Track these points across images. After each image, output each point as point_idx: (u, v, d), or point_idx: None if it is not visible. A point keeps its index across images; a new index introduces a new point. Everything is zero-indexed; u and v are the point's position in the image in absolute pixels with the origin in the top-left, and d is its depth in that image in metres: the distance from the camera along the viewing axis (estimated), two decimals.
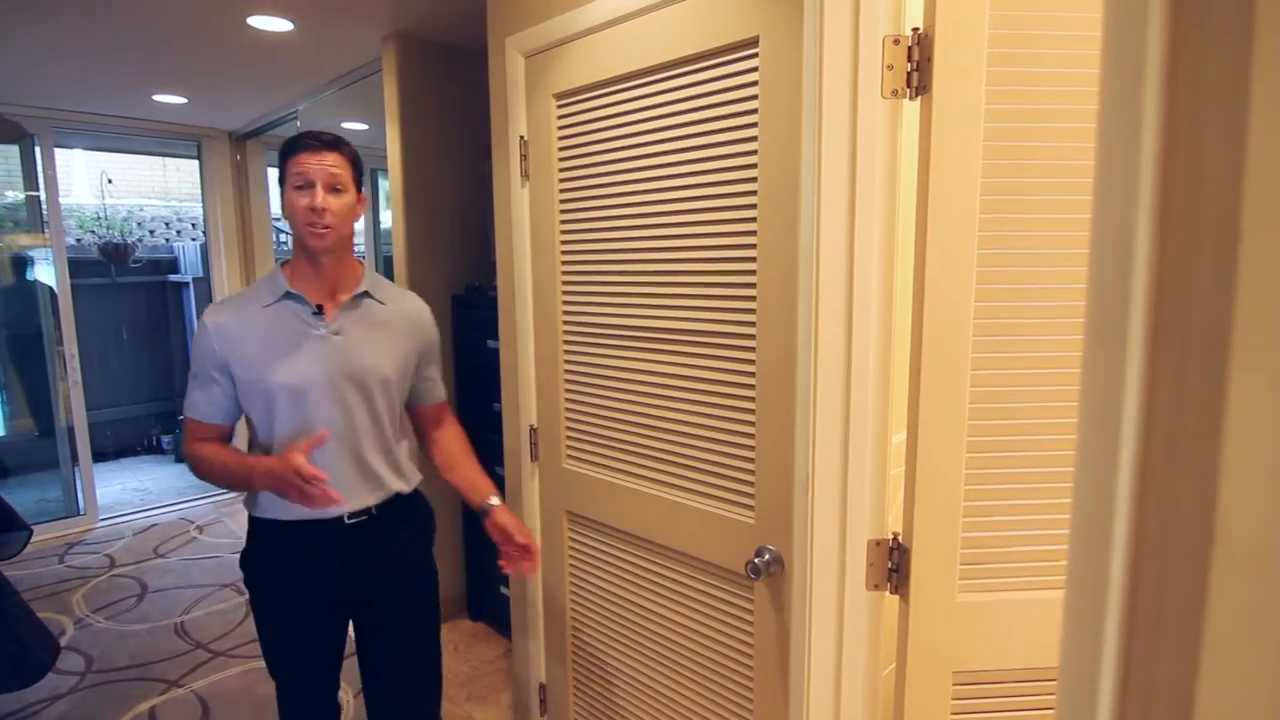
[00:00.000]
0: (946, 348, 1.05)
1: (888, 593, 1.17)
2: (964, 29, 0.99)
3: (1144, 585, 0.39)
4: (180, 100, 3.49)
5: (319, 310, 1.33)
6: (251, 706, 2.29)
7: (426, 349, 1.48)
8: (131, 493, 4.56)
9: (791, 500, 1.23)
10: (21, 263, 3.86)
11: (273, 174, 4.52)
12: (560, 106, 1.59)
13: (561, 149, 1.60)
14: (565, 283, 1.65)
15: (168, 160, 6.65)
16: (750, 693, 1.36)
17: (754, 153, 1.23)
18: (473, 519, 2.52)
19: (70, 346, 3.79)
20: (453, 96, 2.70)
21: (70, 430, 3.87)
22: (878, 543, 1.16)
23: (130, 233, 5.82)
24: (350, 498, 1.35)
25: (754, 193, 1.24)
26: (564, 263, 1.65)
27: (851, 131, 1.08)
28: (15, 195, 3.88)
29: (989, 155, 1.01)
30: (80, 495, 3.91)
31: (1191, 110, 0.35)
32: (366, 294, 1.39)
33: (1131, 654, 0.40)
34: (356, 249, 5.84)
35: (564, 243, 1.64)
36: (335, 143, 1.30)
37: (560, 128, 1.60)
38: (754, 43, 1.21)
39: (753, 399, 1.29)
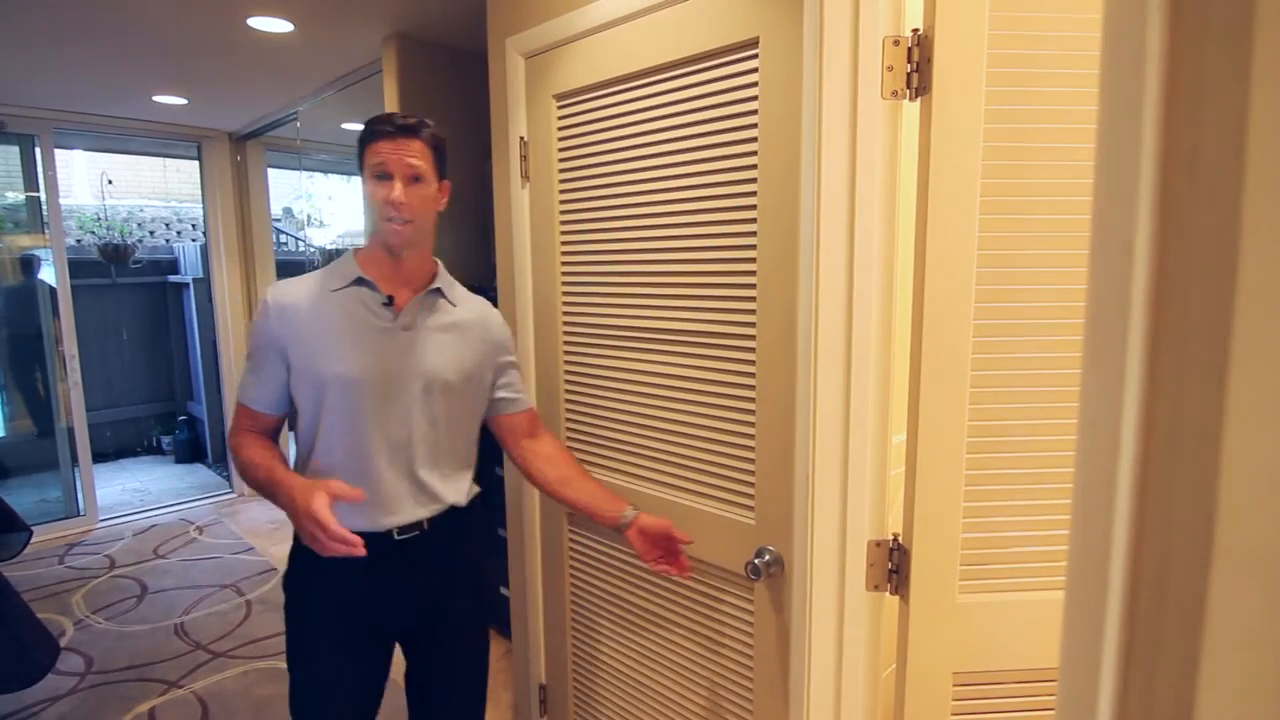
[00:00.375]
0: (946, 348, 1.05)
1: (888, 593, 1.17)
2: (964, 30, 0.99)
3: (1144, 585, 0.39)
4: (180, 101, 3.49)
5: (389, 301, 1.24)
6: (251, 707, 2.29)
7: (501, 357, 1.38)
8: (131, 493, 4.56)
9: (791, 501, 1.23)
10: (27, 263, 3.86)
11: (273, 175, 4.52)
12: (560, 107, 1.59)
13: (561, 150, 1.60)
14: (565, 283, 1.65)
15: (168, 161, 6.65)
16: (750, 693, 1.36)
17: (754, 154, 1.23)
18: None
19: (70, 347, 3.79)
20: (453, 97, 2.71)
21: (70, 431, 3.87)
22: (878, 543, 1.16)
23: (130, 233, 5.83)
24: (400, 510, 1.25)
25: (754, 193, 1.24)
26: (564, 263, 1.65)
27: (851, 132, 1.08)
28: (15, 196, 3.88)
29: (989, 156, 1.01)
30: (80, 496, 3.91)
31: (1191, 110, 0.35)
32: (439, 291, 1.29)
33: (1131, 654, 0.40)
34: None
35: (564, 243, 1.64)
36: (416, 127, 1.20)
37: (560, 129, 1.60)
38: (754, 44, 1.21)
39: (753, 399, 1.29)
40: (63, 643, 2.67)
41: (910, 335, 1.08)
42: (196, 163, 4.28)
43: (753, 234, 1.25)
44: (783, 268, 1.21)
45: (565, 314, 1.66)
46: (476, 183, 2.75)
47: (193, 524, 3.99)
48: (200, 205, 4.50)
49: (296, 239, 6.27)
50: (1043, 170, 1.01)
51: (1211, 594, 0.34)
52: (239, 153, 4.25)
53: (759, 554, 1.27)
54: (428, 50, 2.63)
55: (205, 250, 4.51)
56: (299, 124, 3.77)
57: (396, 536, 1.25)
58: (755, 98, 1.22)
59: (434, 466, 1.28)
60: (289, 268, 4.88)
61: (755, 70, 1.21)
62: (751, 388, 1.29)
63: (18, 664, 1.70)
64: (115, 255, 5.15)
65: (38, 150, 3.68)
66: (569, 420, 1.70)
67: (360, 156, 1.23)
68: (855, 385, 1.13)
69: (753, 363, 1.28)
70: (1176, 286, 0.36)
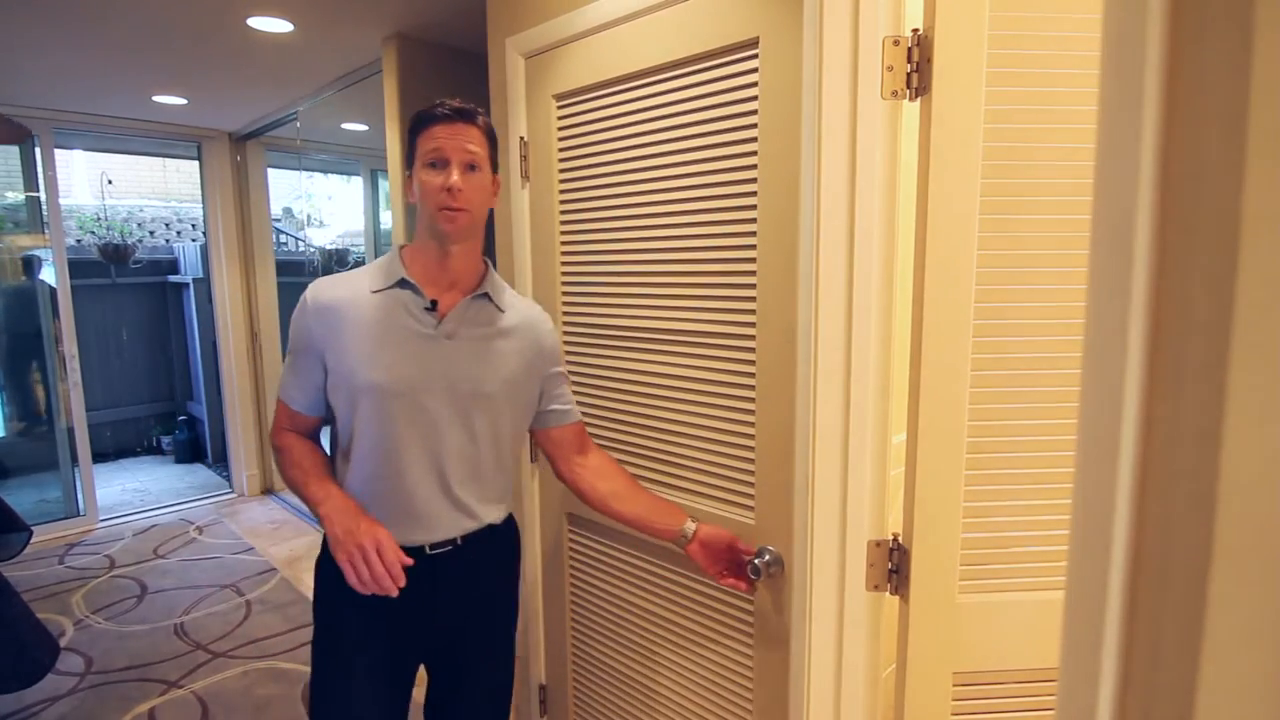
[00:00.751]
0: (946, 348, 1.05)
1: (888, 593, 1.17)
2: (964, 30, 0.99)
3: (1144, 585, 0.39)
4: (180, 101, 3.49)
5: (432, 306, 1.17)
6: (251, 707, 2.29)
7: (550, 368, 1.30)
8: (131, 493, 4.56)
9: (791, 501, 1.23)
10: (29, 263, 3.86)
11: (273, 175, 4.52)
12: (560, 107, 1.59)
13: (561, 150, 1.60)
14: (565, 283, 1.65)
15: (168, 161, 6.66)
16: (750, 693, 1.36)
17: (754, 154, 1.23)
18: None
19: (70, 347, 3.79)
20: (452, 97, 2.70)
21: (70, 431, 3.87)
22: (878, 543, 1.16)
23: (130, 233, 5.83)
24: (434, 527, 1.18)
25: (754, 194, 1.24)
26: (564, 263, 1.65)
27: (851, 132, 1.08)
28: (15, 196, 3.88)
29: (989, 156, 1.01)
30: (80, 496, 3.91)
31: (1191, 109, 0.35)
32: (486, 296, 1.22)
33: (1131, 654, 0.40)
34: (357, 251, 5.81)
35: (564, 243, 1.64)
36: (471, 114, 1.15)
37: (560, 129, 1.60)
38: (754, 44, 1.21)
39: (752, 399, 1.29)
40: (63, 643, 2.67)
41: (910, 335, 1.07)
42: (196, 163, 4.28)
43: (753, 234, 1.25)
44: (783, 267, 1.21)
45: (565, 314, 1.66)
46: None
47: (193, 524, 3.99)
48: (200, 205, 4.51)
49: (296, 239, 6.27)
50: (1043, 170, 1.01)
51: (1211, 594, 0.34)
52: (239, 153, 4.25)
53: (759, 554, 1.27)
54: (428, 50, 2.63)
55: (205, 250, 4.52)
56: (299, 124, 3.77)
57: (429, 552, 1.19)
58: (755, 98, 1.22)
59: (472, 483, 1.21)
60: (289, 268, 4.89)
61: (755, 70, 1.21)
62: (751, 388, 1.29)
63: (18, 664, 1.70)
64: (115, 255, 5.15)
65: (38, 150, 3.69)
66: None
67: (411, 145, 1.16)
68: (855, 385, 1.13)
69: (753, 363, 1.28)
70: (1176, 286, 0.36)
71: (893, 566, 1.15)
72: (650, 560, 1.53)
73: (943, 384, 1.06)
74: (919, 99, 1.04)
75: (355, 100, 3.31)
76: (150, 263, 5.49)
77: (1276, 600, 0.33)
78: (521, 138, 1.69)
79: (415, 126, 1.16)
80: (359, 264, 5.49)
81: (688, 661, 1.48)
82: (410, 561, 1.05)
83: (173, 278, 5.48)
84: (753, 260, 1.26)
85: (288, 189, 6.37)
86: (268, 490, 4.53)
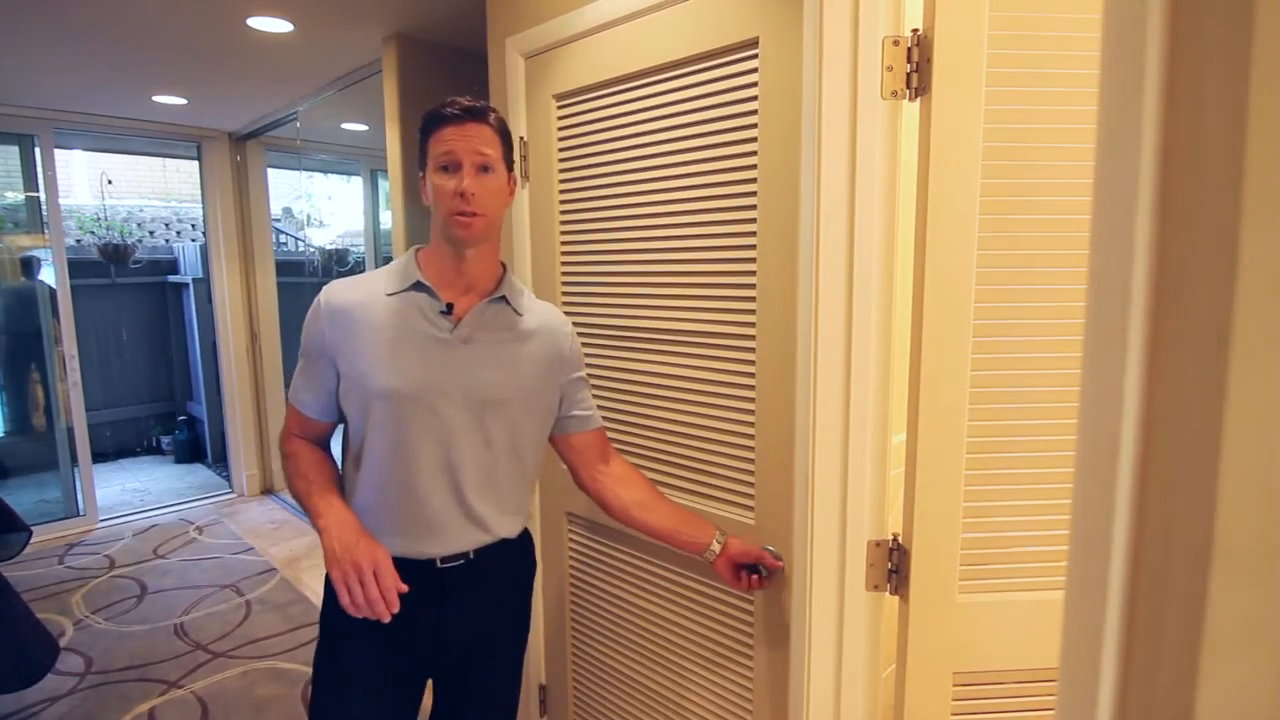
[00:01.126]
0: (946, 348, 1.05)
1: (888, 593, 1.17)
2: (963, 30, 0.99)
3: (1144, 585, 0.39)
4: (180, 101, 3.49)
5: (448, 309, 1.14)
6: (251, 707, 2.29)
7: (570, 374, 1.26)
8: (131, 493, 4.56)
9: (791, 501, 1.23)
10: (28, 263, 3.86)
11: (273, 175, 4.52)
12: (560, 107, 1.59)
13: (561, 150, 1.61)
14: (565, 283, 1.65)
15: (168, 161, 6.66)
16: (750, 693, 1.36)
17: (754, 154, 1.23)
18: None
19: (70, 347, 3.79)
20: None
21: (70, 431, 3.87)
22: (878, 543, 1.16)
23: (130, 234, 5.83)
24: (446, 538, 1.14)
25: (754, 194, 1.24)
26: (563, 263, 1.65)
27: (851, 132, 1.08)
28: (15, 196, 3.88)
29: (989, 156, 1.01)
30: (80, 496, 3.91)
31: (1191, 109, 0.35)
32: (503, 299, 1.18)
33: (1131, 654, 0.40)
34: (357, 251, 5.79)
35: (564, 243, 1.64)
36: (482, 112, 1.10)
37: (560, 129, 1.60)
38: (754, 44, 1.21)
39: (752, 399, 1.29)
40: (63, 643, 2.67)
41: (910, 335, 1.07)
42: (196, 163, 4.28)
43: (752, 234, 1.25)
44: (782, 267, 1.21)
45: (565, 314, 1.66)
46: None
47: (192, 524, 3.99)
48: (200, 205, 4.50)
49: (296, 239, 6.27)
50: (1043, 170, 1.01)
51: (1211, 594, 0.34)
52: (239, 153, 4.25)
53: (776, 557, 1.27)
54: (428, 50, 2.63)
55: (205, 250, 4.52)
56: (299, 124, 3.77)
57: (439, 565, 1.15)
58: (755, 98, 1.22)
59: (488, 493, 1.17)
60: (289, 268, 4.89)
61: (755, 70, 1.21)
62: (751, 388, 1.29)
63: (18, 664, 1.70)
64: (115, 255, 5.15)
65: (37, 150, 3.68)
66: None
67: (423, 148, 1.13)
68: (855, 385, 1.13)
69: (752, 363, 1.28)
70: (1176, 286, 0.36)
71: (892, 566, 1.15)
72: (650, 560, 1.53)
73: (943, 384, 1.06)
74: (919, 99, 1.04)
75: (355, 100, 3.31)
76: (150, 263, 5.49)
77: (1276, 600, 0.33)
78: (521, 138, 1.69)
79: (426, 127, 1.12)
80: (359, 264, 5.51)
81: (687, 661, 1.48)
82: (405, 588, 1.02)
83: (172, 278, 5.48)
84: (752, 260, 1.26)
85: (288, 189, 6.37)
86: (267, 490, 4.53)
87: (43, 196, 3.72)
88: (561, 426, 1.28)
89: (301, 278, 5.22)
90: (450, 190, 1.08)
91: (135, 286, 5.44)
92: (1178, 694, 0.36)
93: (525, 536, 1.28)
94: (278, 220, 6.13)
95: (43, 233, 3.77)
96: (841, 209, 1.10)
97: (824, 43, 1.07)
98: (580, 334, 1.62)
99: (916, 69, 1.04)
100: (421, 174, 1.14)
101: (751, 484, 1.31)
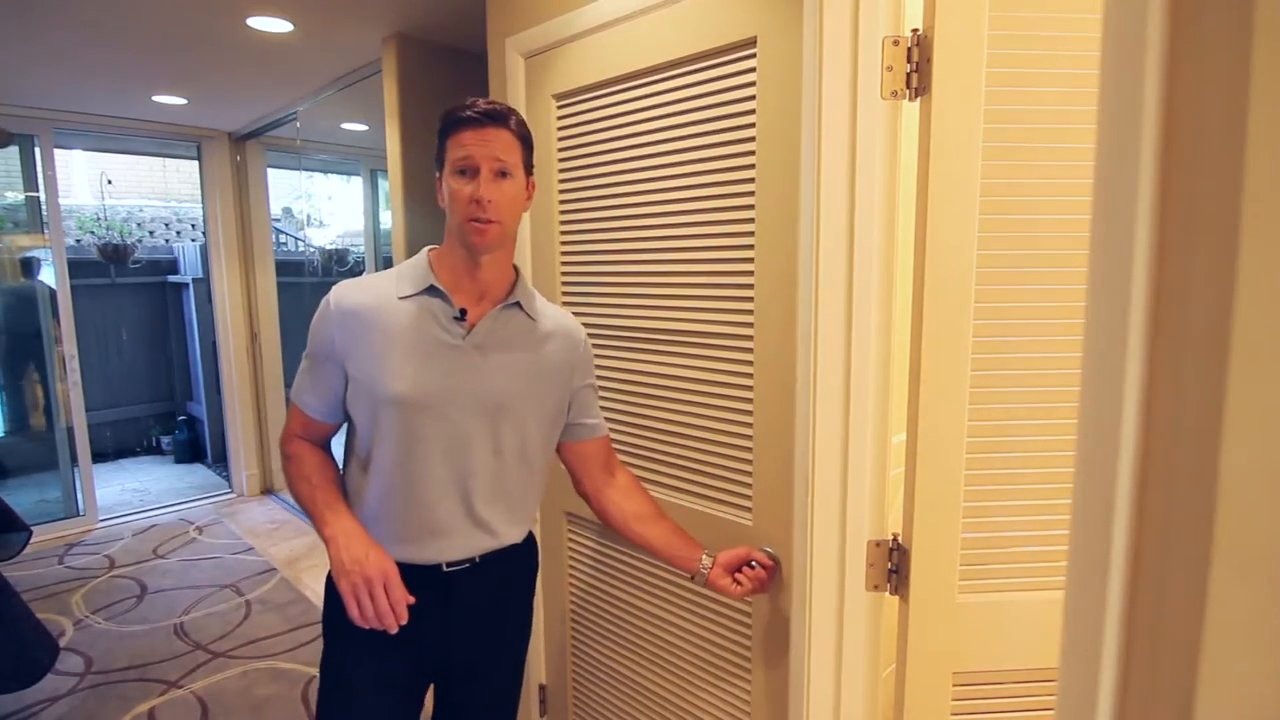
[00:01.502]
0: (946, 348, 1.05)
1: (887, 593, 1.17)
2: (963, 30, 0.99)
3: (1144, 585, 0.39)
4: (180, 101, 3.49)
5: (461, 315, 1.12)
6: (251, 707, 2.29)
7: (580, 380, 1.25)
8: (131, 493, 4.56)
9: (790, 501, 1.23)
10: (28, 264, 3.86)
11: (273, 175, 4.52)
12: (560, 107, 1.59)
13: (561, 150, 1.61)
14: (564, 283, 1.65)
15: (167, 161, 6.66)
16: (749, 694, 1.36)
17: (752, 154, 1.23)
18: None
19: (70, 347, 3.79)
20: (452, 97, 2.70)
21: (70, 431, 3.87)
22: (877, 543, 1.16)
23: (130, 233, 5.83)
24: (452, 544, 1.14)
25: (752, 193, 1.24)
26: (563, 263, 1.65)
27: (851, 132, 1.08)
28: (15, 196, 3.88)
29: (989, 156, 1.01)
30: (80, 496, 3.91)
31: (1191, 109, 0.35)
32: (517, 305, 1.17)
33: (1131, 654, 0.40)
34: (357, 251, 5.79)
35: (563, 243, 1.64)
36: (503, 116, 1.08)
37: (559, 128, 1.60)
38: (752, 43, 1.21)
39: (751, 399, 1.29)
40: (62, 643, 2.67)
41: (910, 335, 1.07)
42: (196, 163, 4.28)
43: (751, 234, 1.25)
44: (782, 267, 1.21)
45: None
46: None
47: (192, 524, 3.99)
48: (200, 205, 4.50)
49: (296, 239, 6.27)
50: (1043, 170, 1.01)
51: (1211, 594, 0.34)
52: (239, 153, 4.25)
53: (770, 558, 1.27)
54: (428, 50, 2.63)
55: (205, 250, 4.51)
56: (299, 124, 3.77)
57: (445, 569, 1.15)
58: (754, 97, 1.22)
59: (497, 500, 1.16)
60: (288, 268, 4.88)
61: (754, 70, 1.21)
62: (750, 388, 1.29)
63: (18, 664, 1.70)
64: (115, 255, 5.15)
65: (37, 150, 3.68)
66: None
67: (440, 150, 1.10)
68: (855, 385, 1.13)
69: (750, 363, 1.28)
70: (1176, 286, 0.36)
71: (892, 566, 1.15)
72: (650, 561, 1.53)
73: (943, 384, 1.05)
74: (919, 99, 1.04)
75: (355, 100, 3.31)
76: (150, 263, 5.49)
77: (1276, 600, 0.33)
78: None
79: (444, 129, 1.10)
80: (359, 264, 5.50)
81: (687, 661, 1.48)
82: (414, 600, 1.03)
83: (172, 278, 5.48)
84: (750, 260, 1.26)
85: (288, 189, 6.37)
86: (267, 490, 4.53)
87: (43, 196, 3.72)
88: (569, 434, 1.28)
89: (301, 278, 5.22)
90: (466, 196, 1.06)
91: (135, 286, 5.44)
92: (1178, 694, 0.36)
93: (530, 539, 1.27)
94: (278, 220, 6.13)
95: (43, 233, 3.77)
96: (841, 209, 1.10)
97: (823, 42, 1.07)
98: None
99: (916, 69, 1.04)
100: (438, 175, 1.12)
101: (749, 485, 1.31)
